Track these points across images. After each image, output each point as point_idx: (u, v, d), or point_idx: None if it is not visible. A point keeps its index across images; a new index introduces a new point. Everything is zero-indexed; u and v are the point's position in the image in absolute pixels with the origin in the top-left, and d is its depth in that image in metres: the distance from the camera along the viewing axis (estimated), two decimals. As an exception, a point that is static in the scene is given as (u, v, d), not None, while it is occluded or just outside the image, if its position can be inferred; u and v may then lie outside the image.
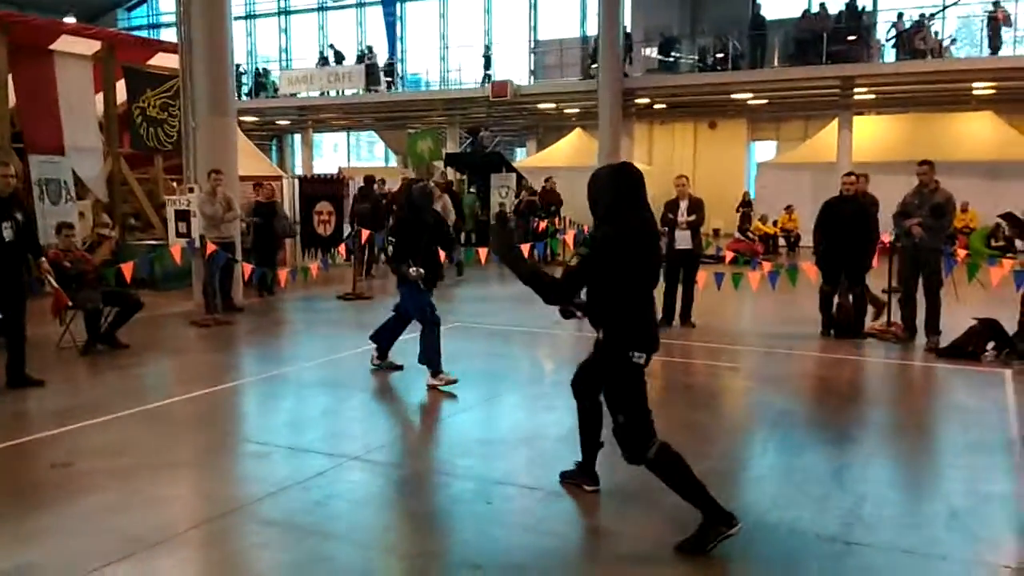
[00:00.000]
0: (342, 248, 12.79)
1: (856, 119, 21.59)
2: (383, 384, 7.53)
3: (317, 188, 16.47)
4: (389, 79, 26.22)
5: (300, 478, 4.91)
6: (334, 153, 35.66)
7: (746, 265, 13.20)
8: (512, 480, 4.91)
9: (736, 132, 27.43)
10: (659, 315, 9.80)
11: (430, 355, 7.18)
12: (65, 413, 6.33)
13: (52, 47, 13.30)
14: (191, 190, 11.36)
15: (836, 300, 9.37)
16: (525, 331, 9.54)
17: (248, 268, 10.96)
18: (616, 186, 4.10)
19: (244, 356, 9.09)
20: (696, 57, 23.45)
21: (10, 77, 12.63)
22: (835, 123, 21.18)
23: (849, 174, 9.27)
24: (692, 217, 9.85)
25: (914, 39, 19.70)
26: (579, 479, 4.72)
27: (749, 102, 23.61)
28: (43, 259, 7.58)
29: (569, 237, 11.77)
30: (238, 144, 15.62)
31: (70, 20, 29.17)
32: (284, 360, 8.54)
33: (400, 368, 7.67)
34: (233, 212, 11.18)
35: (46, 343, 8.63)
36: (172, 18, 18.83)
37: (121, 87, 14.52)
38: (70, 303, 8.17)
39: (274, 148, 32.94)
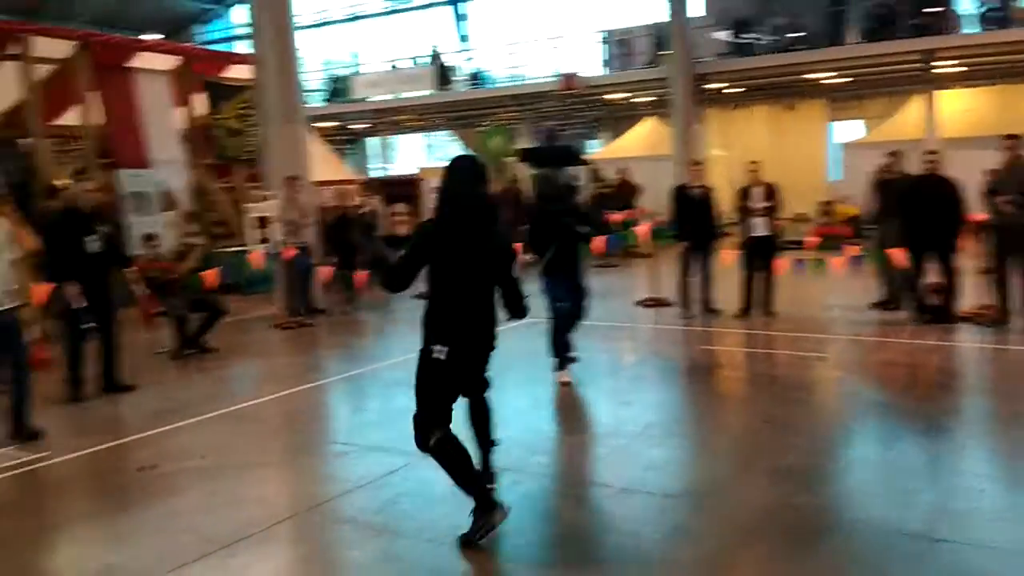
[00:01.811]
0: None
1: (943, 93, 20.70)
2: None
3: (393, 189, 16.71)
4: (474, 81, 26.43)
5: (374, 476, 4.98)
6: (414, 154, 35.99)
7: (830, 250, 12.82)
8: (586, 478, 4.87)
9: (816, 113, 26.56)
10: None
11: (551, 348, 7.12)
12: (154, 416, 6.57)
13: (132, 64, 13.80)
14: (265, 198, 11.63)
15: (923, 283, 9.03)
16: (606, 325, 9.32)
17: (328, 271, 11.15)
18: (447, 178, 4.13)
19: (325, 357, 9.26)
20: (772, 38, 22.82)
21: (95, 95, 13.13)
22: (920, 99, 20.35)
23: (931, 151, 8.88)
24: (769, 203, 9.59)
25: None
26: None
27: (828, 81, 22.86)
28: (132, 269, 7.89)
29: (642, 228, 11.59)
30: (314, 150, 16.00)
31: (153, 36, 30.27)
32: (363, 359, 8.66)
33: (575, 360, 7.39)
34: (308, 218, 11.47)
35: (138, 349, 8.98)
36: (244, 31, 19.34)
37: (200, 100, 14.95)
38: (159, 310, 8.47)
39: (352, 152, 33.50)
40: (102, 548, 4.16)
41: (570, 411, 6.57)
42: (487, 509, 4.00)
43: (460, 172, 4.16)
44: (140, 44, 15.55)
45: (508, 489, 4.75)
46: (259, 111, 11.76)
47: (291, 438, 6.15)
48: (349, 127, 29.28)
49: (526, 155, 22.09)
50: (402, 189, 16.78)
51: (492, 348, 4.24)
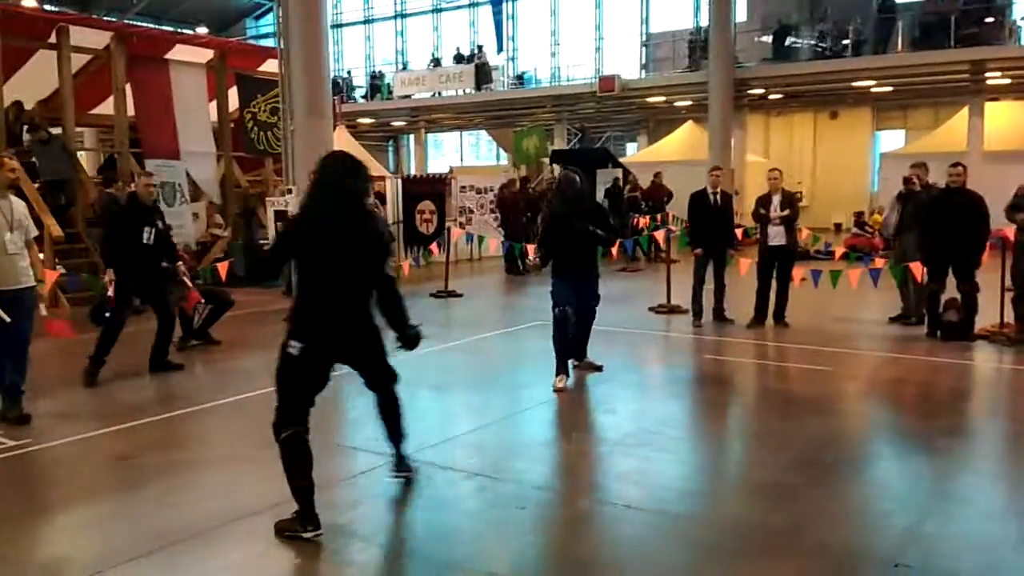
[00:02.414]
0: (434, 246, 12.91)
1: (991, 105, 20.14)
2: (457, 382, 7.53)
3: (420, 187, 16.77)
4: (516, 81, 26.52)
5: (344, 476, 4.96)
6: (456, 153, 36.10)
7: (858, 261, 12.53)
8: (553, 486, 4.78)
9: (860, 122, 26.08)
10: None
11: (554, 351, 7.00)
12: (146, 406, 6.63)
13: (167, 56, 14.01)
14: (289, 191, 11.73)
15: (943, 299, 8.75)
16: (614, 331, 9.13)
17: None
18: (318, 171, 4.17)
19: (329, 353, 9.25)
20: (816, 43, 22.40)
21: (128, 86, 13.36)
22: (966, 110, 19.82)
23: (955, 164, 8.59)
24: (785, 212, 9.38)
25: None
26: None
27: (873, 90, 22.40)
28: (180, 262, 8.11)
29: (659, 233, 11.44)
30: (343, 146, 16.05)
31: (202, 30, 30.77)
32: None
33: (599, 368, 7.41)
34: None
35: (147, 338, 9.08)
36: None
37: (233, 94, 15.13)
38: (203, 300, 8.60)
39: (391, 149, 33.74)
40: (53, 539, 4.18)
41: (557, 417, 6.46)
42: (305, 521, 3.99)
43: (331, 166, 4.18)
44: (176, 37, 15.78)
45: (476, 494, 4.70)
46: (285, 104, 11.87)
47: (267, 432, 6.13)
48: (390, 124, 29.50)
49: (559, 156, 22.02)
50: (429, 188, 16.82)
51: (358, 342, 4.21)
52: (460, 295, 12.67)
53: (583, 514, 4.41)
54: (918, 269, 8.87)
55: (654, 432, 5.90)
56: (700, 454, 5.51)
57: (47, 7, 27.60)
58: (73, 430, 5.97)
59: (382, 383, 4.49)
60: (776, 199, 9.49)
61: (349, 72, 30.99)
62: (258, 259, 4.27)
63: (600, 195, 19.73)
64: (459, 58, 27.38)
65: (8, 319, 6.00)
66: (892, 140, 26.21)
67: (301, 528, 3.99)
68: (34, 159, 12.68)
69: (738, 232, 11.74)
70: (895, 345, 8.73)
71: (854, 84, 21.91)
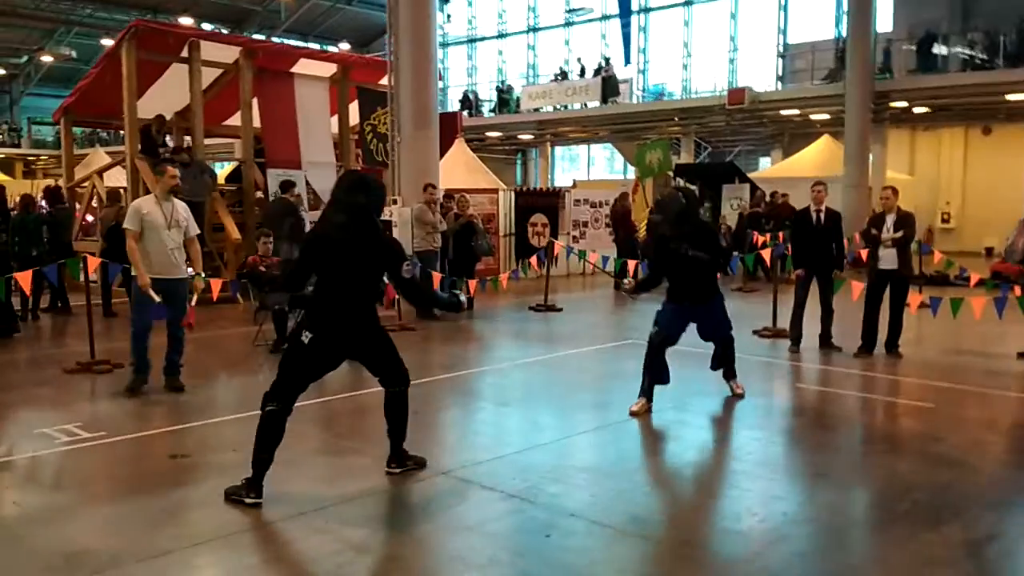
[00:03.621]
0: (533, 259, 12.84)
1: None
2: (528, 398, 7.41)
3: (533, 200, 16.75)
4: (651, 94, 26.22)
5: (378, 489, 4.92)
6: (589, 166, 35.99)
7: (995, 288, 11.50)
8: (586, 514, 4.54)
9: (1017, 138, 24.12)
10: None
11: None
12: (225, 405, 6.86)
13: (292, 70, 14.59)
14: (395, 201, 11.94)
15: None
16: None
17: (438, 277, 11.27)
18: (334, 188, 4.82)
19: (408, 362, 9.30)
20: (970, 54, 20.93)
21: (255, 99, 13.99)
22: None
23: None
24: (899, 234, 8.71)
25: None
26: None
27: (1031, 103, 20.71)
28: None
29: (767, 252, 10.90)
30: (459, 157, 16.30)
31: (344, 46, 32.07)
32: (446, 367, 8.63)
33: (740, 396, 7.12)
34: (444, 223, 11.81)
35: (245, 340, 9.46)
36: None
37: (355, 107, 15.59)
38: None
39: (519, 163, 34.00)
40: (89, 532, 4.29)
41: (619, 441, 6.18)
42: (250, 489, 4.53)
43: (343, 184, 4.76)
44: (300, 51, 16.43)
45: (505, 516, 4.55)
46: (393, 116, 12.12)
47: (324, 440, 6.15)
48: (517, 137, 29.72)
49: (683, 170, 21.53)
50: (543, 201, 16.78)
51: (362, 338, 4.75)
52: (560, 309, 12.52)
53: (605, 547, 4.16)
54: (1047, 299, 8.04)
55: (715, 465, 5.57)
56: (758, 491, 5.10)
57: (204, 25, 29.47)
58: (148, 426, 6.26)
59: (391, 382, 4.99)
60: (890, 219, 8.84)
61: (503, 81, 31.01)
62: (287, 273, 4.94)
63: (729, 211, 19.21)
64: (595, 71, 27.18)
65: (158, 299, 6.82)
66: (1055, 158, 24.11)
67: (245, 494, 4.51)
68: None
69: (863, 253, 11.05)
70: (1019, 383, 7.93)
71: (1009, 97, 20.33)
